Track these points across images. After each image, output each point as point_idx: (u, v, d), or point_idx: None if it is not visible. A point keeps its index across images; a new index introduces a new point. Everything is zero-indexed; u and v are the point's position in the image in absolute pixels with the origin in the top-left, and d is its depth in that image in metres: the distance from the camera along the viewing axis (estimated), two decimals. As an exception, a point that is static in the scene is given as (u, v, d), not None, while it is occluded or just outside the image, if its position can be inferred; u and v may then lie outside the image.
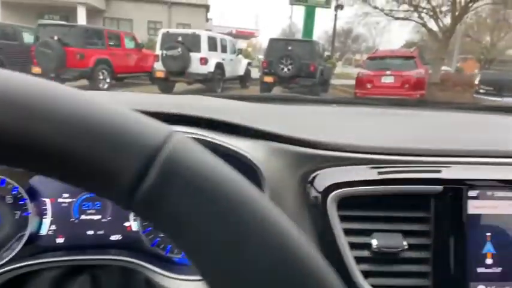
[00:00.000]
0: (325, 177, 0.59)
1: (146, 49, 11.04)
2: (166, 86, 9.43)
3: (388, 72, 8.83)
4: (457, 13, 14.65)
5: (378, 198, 0.60)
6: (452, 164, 0.63)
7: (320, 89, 10.13)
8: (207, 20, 22.30)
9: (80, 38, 8.49)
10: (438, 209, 0.59)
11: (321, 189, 0.58)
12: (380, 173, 0.60)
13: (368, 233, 0.59)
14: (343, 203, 0.59)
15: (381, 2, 16.27)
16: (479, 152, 0.65)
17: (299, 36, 15.59)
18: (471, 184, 0.60)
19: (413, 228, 0.60)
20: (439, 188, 0.59)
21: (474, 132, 0.85)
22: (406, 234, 0.60)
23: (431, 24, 15.88)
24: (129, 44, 10.21)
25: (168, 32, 9.81)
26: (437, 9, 15.36)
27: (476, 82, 8.99)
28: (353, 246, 0.59)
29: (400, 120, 1.00)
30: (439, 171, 0.61)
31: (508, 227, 0.60)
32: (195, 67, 9.20)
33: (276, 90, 9.92)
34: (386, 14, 16.56)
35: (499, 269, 0.59)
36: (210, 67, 9.43)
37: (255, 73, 12.32)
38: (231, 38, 11.84)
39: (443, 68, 18.32)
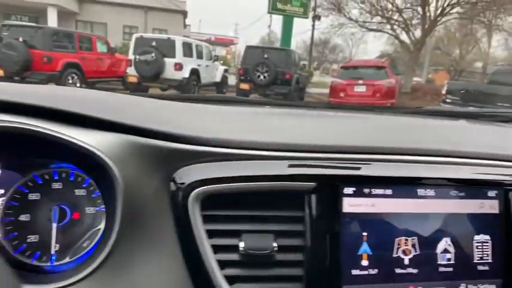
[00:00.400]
0: (188, 174, 0.55)
1: (120, 54, 10.82)
2: (139, 91, 9.24)
3: (360, 82, 9.03)
4: (426, 26, 15.20)
5: (248, 197, 0.56)
6: (328, 160, 0.60)
7: (296, 97, 10.21)
8: (185, 26, 22.19)
9: (48, 40, 8.21)
10: (312, 208, 0.56)
11: (182, 186, 0.54)
12: (248, 169, 0.56)
13: (236, 234, 0.55)
14: (209, 202, 0.55)
15: (355, 14, 16.69)
16: (358, 148, 0.62)
17: (278, 44, 15.72)
18: (346, 181, 0.57)
19: (285, 228, 0.56)
20: (312, 184, 0.56)
21: (386, 134, 0.83)
22: (278, 235, 0.56)
23: (404, 37, 16.42)
24: (101, 48, 9.98)
25: (141, 36, 9.66)
26: (409, 22, 15.89)
27: (444, 92, 9.29)
28: (218, 249, 0.54)
29: (322, 120, 0.97)
30: (312, 167, 0.58)
31: (385, 226, 0.58)
32: (169, 73, 9.08)
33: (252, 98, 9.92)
34: (360, 26, 16.99)
35: (375, 271, 0.56)
36: (185, 73, 9.32)
37: (232, 80, 12.30)
38: (207, 44, 11.80)
39: (416, 78, 18.91)
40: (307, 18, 17.15)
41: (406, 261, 0.58)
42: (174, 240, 0.54)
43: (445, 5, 15.08)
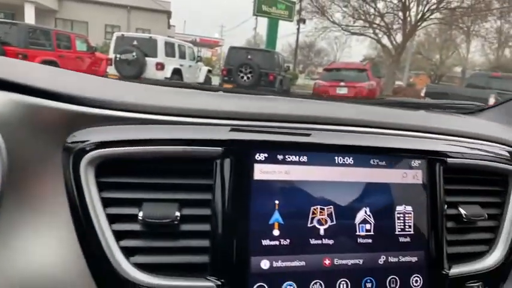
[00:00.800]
0: (82, 137, 0.50)
1: (101, 53, 10.61)
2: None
3: (342, 84, 9.16)
4: (407, 31, 15.51)
5: (150, 164, 0.52)
6: (238, 126, 0.56)
7: (279, 98, 10.20)
8: (169, 26, 21.99)
9: (23, 37, 7.97)
10: (220, 175, 0.53)
11: (74, 149, 0.49)
12: (149, 132, 0.52)
13: (137, 203, 0.51)
14: (107, 169, 0.51)
15: (339, 17, 16.89)
16: (271, 116, 0.59)
17: (264, 47, 15.78)
18: (258, 147, 0.54)
19: (191, 197, 0.53)
20: (219, 149, 0.52)
21: (315, 109, 0.78)
22: (183, 204, 0.52)
23: (385, 41, 16.71)
24: (80, 46, 9.76)
25: (123, 35, 9.48)
26: (390, 27, 16.18)
27: (422, 94, 9.48)
28: (115, 218, 0.50)
29: (268, 101, 0.93)
30: (220, 132, 0.54)
31: (299, 195, 0.55)
32: (151, 72, 8.92)
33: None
34: (344, 29, 17.20)
35: (287, 241, 0.53)
36: (167, 73, 9.19)
37: (216, 81, 12.23)
38: (191, 45, 11.69)
39: (397, 82, 19.24)
40: (292, 21, 17.25)
41: (322, 232, 0.55)
42: (66, 209, 0.49)
43: (425, 11, 15.44)
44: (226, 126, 0.56)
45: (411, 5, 15.60)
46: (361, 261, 0.56)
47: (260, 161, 0.54)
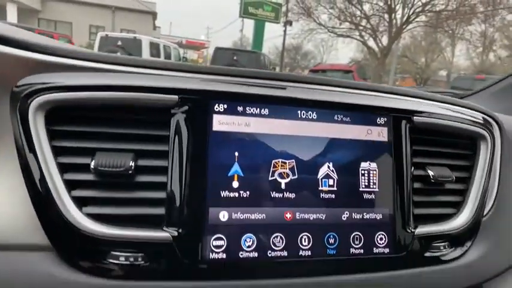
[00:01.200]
0: (32, 82, 0.48)
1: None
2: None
3: (328, 84, 9.20)
4: (393, 34, 15.77)
5: (104, 112, 0.50)
6: (196, 78, 0.55)
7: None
8: (155, 27, 21.82)
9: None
10: (178, 125, 0.51)
11: (23, 94, 0.47)
12: (102, 79, 0.50)
13: (90, 152, 0.49)
14: (57, 117, 0.48)
15: (325, 19, 17.07)
16: (234, 71, 0.57)
17: (250, 49, 15.81)
18: (217, 97, 0.52)
19: (147, 148, 0.51)
20: (175, 97, 0.50)
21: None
22: (139, 155, 0.50)
23: (371, 43, 16.94)
24: (64, 46, 9.59)
25: (107, 35, 9.36)
26: (376, 29, 16.43)
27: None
28: (67, 168, 0.48)
29: None
30: (178, 81, 0.53)
31: (260, 147, 0.53)
32: (136, 73, 8.83)
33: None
34: (330, 31, 17.37)
35: (247, 193, 0.52)
36: (152, 73, 9.11)
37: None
38: (176, 46, 11.65)
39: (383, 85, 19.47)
40: (278, 23, 17.35)
41: (283, 186, 0.54)
42: (16, 157, 0.47)
43: (410, 13, 15.73)
44: (183, 77, 0.54)
45: (397, 7, 15.89)
46: (323, 217, 0.55)
47: (219, 112, 0.52)
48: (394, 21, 15.94)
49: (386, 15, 16.21)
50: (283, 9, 16.72)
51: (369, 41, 16.99)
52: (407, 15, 15.82)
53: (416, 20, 16.20)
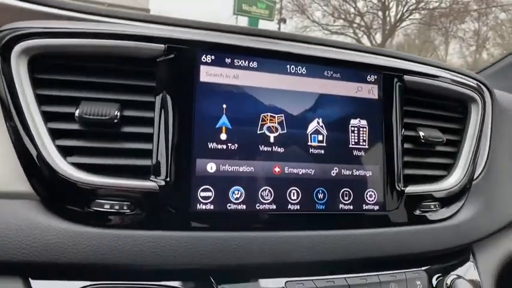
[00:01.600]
0: (14, 28, 0.46)
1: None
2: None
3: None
4: (386, 31, 15.84)
5: (90, 62, 0.49)
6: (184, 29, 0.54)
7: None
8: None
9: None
10: (164, 76, 0.50)
11: (4, 41, 0.45)
12: (86, 25, 0.49)
13: (75, 101, 0.47)
14: (42, 65, 0.47)
15: (319, 16, 17.07)
16: (224, 27, 0.57)
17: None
18: (205, 47, 0.51)
19: (133, 98, 0.50)
20: (161, 46, 0.49)
21: None
22: (125, 105, 0.49)
23: (365, 40, 16.96)
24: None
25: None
26: (370, 26, 16.48)
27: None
28: (51, 116, 0.47)
29: None
30: (162, 30, 0.52)
31: (249, 100, 0.53)
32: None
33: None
34: (324, 29, 17.38)
35: (235, 146, 0.51)
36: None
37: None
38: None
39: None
40: (272, 20, 17.32)
41: (272, 139, 0.53)
42: None
43: (404, 11, 15.81)
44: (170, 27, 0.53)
45: (391, 5, 15.95)
46: (312, 172, 0.54)
47: (206, 63, 0.51)
48: (387, 18, 16.01)
49: (380, 13, 16.27)
50: (277, 6, 16.69)
51: (363, 38, 17.05)
52: (401, 12, 15.90)
53: (410, 17, 16.29)
